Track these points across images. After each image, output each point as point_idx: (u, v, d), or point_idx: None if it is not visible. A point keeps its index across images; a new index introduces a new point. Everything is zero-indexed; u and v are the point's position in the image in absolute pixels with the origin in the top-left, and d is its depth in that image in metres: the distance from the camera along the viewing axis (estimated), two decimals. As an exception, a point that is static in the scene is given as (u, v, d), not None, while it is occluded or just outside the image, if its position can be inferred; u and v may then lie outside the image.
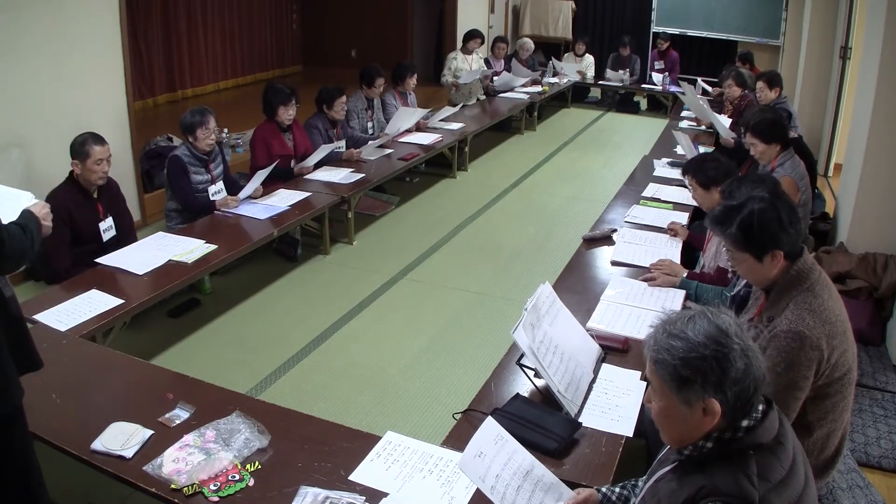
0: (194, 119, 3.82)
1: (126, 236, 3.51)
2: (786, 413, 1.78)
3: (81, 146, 3.23)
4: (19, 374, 1.76)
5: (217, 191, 3.98)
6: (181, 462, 1.79)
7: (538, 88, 8.14)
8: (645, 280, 2.95)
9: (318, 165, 4.67)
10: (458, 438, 1.93)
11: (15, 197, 1.92)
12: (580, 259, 3.31)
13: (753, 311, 2.05)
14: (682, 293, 2.84)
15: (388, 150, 5.22)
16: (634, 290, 2.88)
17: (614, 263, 3.19)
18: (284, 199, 4.09)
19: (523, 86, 8.07)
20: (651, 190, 4.29)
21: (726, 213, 1.94)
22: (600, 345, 2.40)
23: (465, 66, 7.33)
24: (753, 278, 1.99)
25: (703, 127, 6.21)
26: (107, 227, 3.42)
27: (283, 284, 4.09)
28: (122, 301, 2.77)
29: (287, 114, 4.45)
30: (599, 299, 2.80)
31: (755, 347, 1.29)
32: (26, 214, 1.84)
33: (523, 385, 2.21)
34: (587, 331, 2.44)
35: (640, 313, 2.67)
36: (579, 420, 2.03)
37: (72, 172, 3.30)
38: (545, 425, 1.95)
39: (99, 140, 3.27)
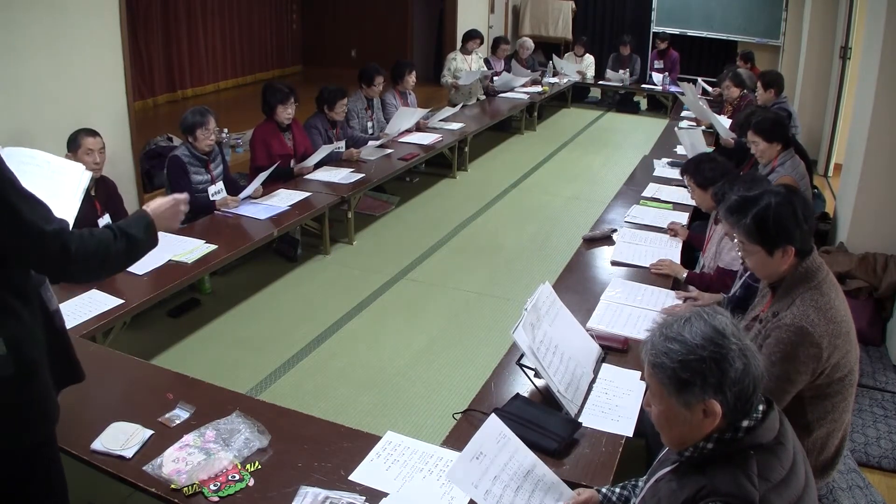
0: (195, 119, 3.82)
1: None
2: None
3: (74, 138, 3.31)
4: (61, 387, 1.72)
5: (217, 191, 3.98)
6: (181, 462, 1.79)
7: (538, 88, 8.14)
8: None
9: (318, 165, 4.67)
10: (458, 438, 1.93)
11: (65, 171, 1.79)
12: (580, 259, 3.31)
13: (760, 308, 2.05)
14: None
15: (388, 150, 5.22)
16: (634, 290, 2.88)
17: (614, 263, 3.19)
18: (284, 199, 4.09)
19: (523, 86, 8.07)
20: (651, 190, 4.29)
21: (742, 203, 1.92)
22: (600, 345, 2.40)
23: (465, 66, 7.33)
24: (761, 271, 1.97)
25: (703, 127, 6.21)
26: (105, 224, 3.42)
27: (283, 284, 4.09)
28: (122, 301, 2.76)
29: (286, 113, 4.45)
30: (599, 299, 2.79)
31: (753, 347, 1.29)
32: (136, 215, 1.71)
33: (523, 385, 2.21)
34: (587, 331, 2.44)
35: (641, 313, 2.67)
36: (579, 420, 2.03)
37: (69, 169, 3.32)
38: (545, 425, 1.95)
39: (91, 132, 3.34)
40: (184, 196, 1.85)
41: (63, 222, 1.54)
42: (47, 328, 1.65)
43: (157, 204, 1.78)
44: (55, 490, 1.71)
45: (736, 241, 2.00)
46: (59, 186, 1.71)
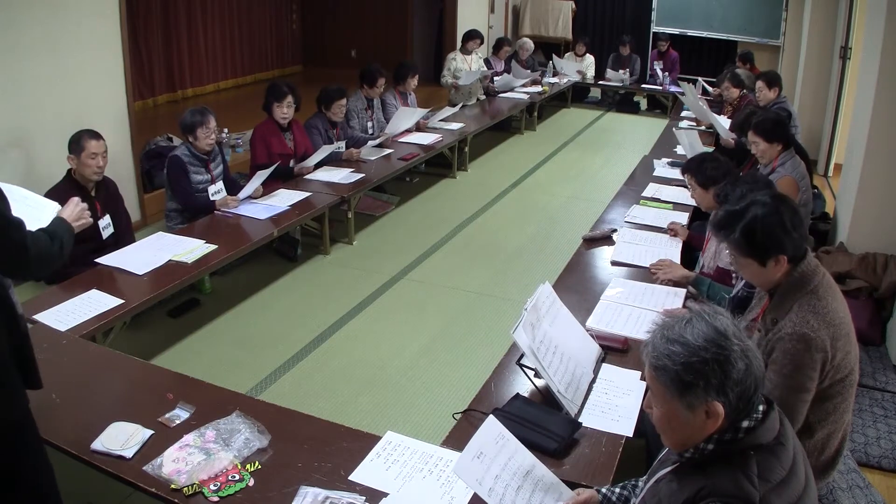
0: (194, 119, 3.81)
1: (123, 236, 3.51)
2: (794, 416, 1.78)
3: (77, 140, 3.27)
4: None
5: (217, 191, 3.97)
6: (181, 462, 1.79)
7: (538, 88, 8.14)
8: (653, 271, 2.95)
9: (318, 165, 4.67)
10: (458, 438, 1.93)
11: (41, 206, 2.01)
12: (580, 259, 3.31)
13: (756, 312, 2.05)
14: (682, 293, 2.84)
15: (388, 150, 5.22)
16: (634, 290, 2.88)
17: (614, 263, 3.19)
18: (284, 199, 4.09)
19: (523, 86, 8.07)
20: (651, 190, 4.29)
21: (728, 218, 1.92)
22: (600, 345, 2.40)
23: (465, 66, 7.33)
24: (757, 281, 1.98)
25: (703, 127, 6.22)
26: (105, 225, 3.42)
27: (283, 284, 4.09)
28: (122, 301, 2.76)
29: (281, 111, 4.43)
30: (599, 299, 2.79)
31: (754, 347, 1.29)
32: (56, 221, 1.93)
33: (523, 385, 2.21)
34: (587, 331, 2.44)
35: (641, 313, 2.67)
36: (579, 420, 2.03)
37: (70, 171, 3.31)
38: (545, 425, 1.95)
39: (94, 135, 3.30)
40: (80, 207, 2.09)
41: (20, 219, 1.68)
42: (13, 330, 1.70)
43: (69, 212, 2.04)
44: (37, 472, 1.73)
45: (727, 253, 2.00)
46: (31, 221, 1.85)
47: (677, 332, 1.27)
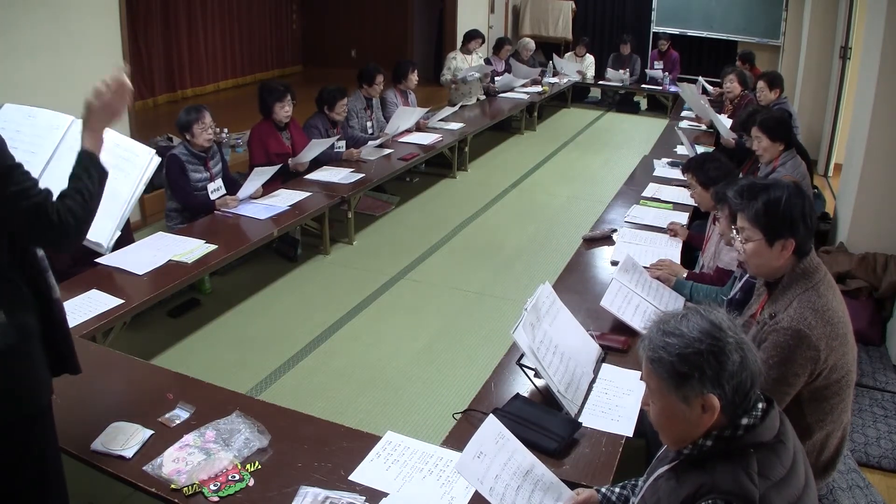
0: (189, 117, 3.82)
1: (123, 236, 3.50)
2: None
3: None
4: (55, 374, 1.71)
5: (216, 188, 3.97)
6: (181, 462, 1.79)
7: (538, 88, 8.14)
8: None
9: (318, 165, 4.67)
10: (458, 438, 1.93)
11: (134, 153, 1.74)
12: (580, 259, 3.31)
13: (755, 308, 2.05)
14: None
15: (388, 150, 5.22)
16: (642, 279, 2.84)
17: (614, 263, 3.19)
18: (284, 199, 4.09)
19: (523, 86, 8.07)
20: (651, 190, 4.29)
21: (753, 188, 1.92)
22: (600, 345, 2.40)
23: (465, 65, 7.35)
24: (756, 262, 1.94)
25: (704, 126, 6.21)
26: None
27: (283, 284, 4.09)
28: (122, 301, 2.76)
29: (283, 111, 4.45)
30: (611, 280, 2.72)
31: (749, 341, 1.30)
32: (81, 158, 1.62)
33: (523, 385, 2.21)
34: (591, 327, 2.44)
35: (647, 307, 2.65)
36: (579, 420, 2.03)
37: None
38: (545, 425, 1.95)
39: None
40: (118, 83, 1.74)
41: (47, 192, 1.50)
42: (46, 314, 1.64)
43: (93, 120, 1.72)
44: (50, 473, 1.68)
45: (737, 228, 1.97)
46: (124, 172, 1.71)
47: (673, 326, 1.29)
